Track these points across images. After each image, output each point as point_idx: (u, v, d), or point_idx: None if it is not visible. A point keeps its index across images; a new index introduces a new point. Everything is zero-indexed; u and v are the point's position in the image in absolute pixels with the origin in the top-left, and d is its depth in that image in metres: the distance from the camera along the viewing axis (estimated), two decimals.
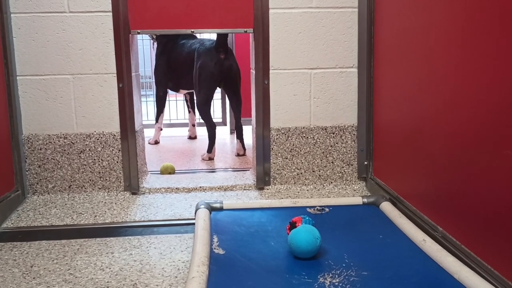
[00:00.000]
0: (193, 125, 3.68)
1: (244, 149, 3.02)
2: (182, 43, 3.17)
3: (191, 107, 3.62)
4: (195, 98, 3.16)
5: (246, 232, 1.56)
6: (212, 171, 2.64)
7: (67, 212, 1.94)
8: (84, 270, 1.43)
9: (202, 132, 3.74)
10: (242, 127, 3.03)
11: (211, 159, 2.89)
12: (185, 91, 3.42)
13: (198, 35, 3.32)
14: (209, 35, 3.55)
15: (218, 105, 4.24)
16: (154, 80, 3.46)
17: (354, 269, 1.28)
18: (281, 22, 2.10)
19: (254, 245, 1.45)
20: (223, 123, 4.16)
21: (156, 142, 3.48)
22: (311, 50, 2.13)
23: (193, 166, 2.75)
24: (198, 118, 3.80)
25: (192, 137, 3.69)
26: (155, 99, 3.48)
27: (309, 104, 2.17)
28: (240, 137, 3.02)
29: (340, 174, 2.22)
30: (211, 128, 2.91)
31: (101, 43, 2.06)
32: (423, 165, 1.56)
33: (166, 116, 4.56)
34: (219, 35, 2.80)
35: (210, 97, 2.93)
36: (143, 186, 2.17)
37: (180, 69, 3.15)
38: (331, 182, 2.22)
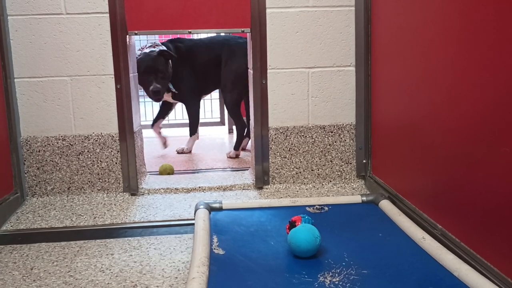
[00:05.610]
0: None
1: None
2: (203, 44, 3.01)
3: None
4: (224, 97, 2.99)
5: (246, 232, 1.56)
6: (211, 171, 2.63)
7: (67, 214, 1.94)
8: (84, 272, 1.43)
9: (200, 133, 3.74)
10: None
11: (237, 156, 2.92)
12: (206, 95, 3.28)
13: (204, 35, 3.26)
14: (207, 35, 3.54)
15: (216, 104, 4.23)
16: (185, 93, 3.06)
17: (354, 267, 1.28)
18: (278, 21, 2.10)
19: (254, 245, 1.45)
20: (221, 122, 4.16)
21: (189, 151, 3.15)
22: (309, 49, 2.13)
23: (192, 166, 2.75)
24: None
25: None
26: (188, 112, 3.14)
27: (307, 103, 2.17)
28: (248, 135, 3.01)
29: (339, 173, 2.22)
30: (241, 127, 2.95)
31: (99, 45, 2.06)
32: (421, 163, 1.57)
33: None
34: None
35: (242, 97, 2.95)
36: (142, 187, 2.17)
37: (207, 72, 2.99)
38: (330, 181, 2.22)
